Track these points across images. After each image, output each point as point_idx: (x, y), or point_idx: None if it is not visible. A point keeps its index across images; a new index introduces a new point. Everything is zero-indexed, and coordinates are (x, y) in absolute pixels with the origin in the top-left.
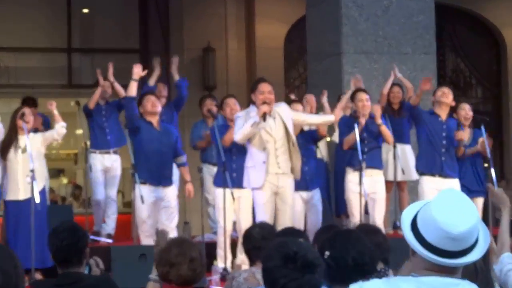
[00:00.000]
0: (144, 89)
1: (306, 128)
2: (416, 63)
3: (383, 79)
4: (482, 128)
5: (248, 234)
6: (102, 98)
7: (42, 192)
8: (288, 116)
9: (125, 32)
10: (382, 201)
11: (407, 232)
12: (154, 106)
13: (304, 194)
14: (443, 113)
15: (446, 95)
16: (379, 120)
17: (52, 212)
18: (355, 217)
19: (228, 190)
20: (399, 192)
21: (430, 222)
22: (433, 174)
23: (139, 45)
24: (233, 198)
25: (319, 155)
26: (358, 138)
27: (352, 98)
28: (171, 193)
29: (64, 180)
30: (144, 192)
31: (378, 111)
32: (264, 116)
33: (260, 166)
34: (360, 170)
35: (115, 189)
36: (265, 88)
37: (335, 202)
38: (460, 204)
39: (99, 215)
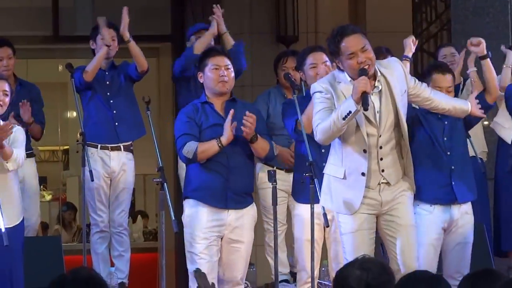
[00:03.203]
0: (186, 57)
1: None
2: None
3: None
4: None
5: (340, 280)
6: (105, 58)
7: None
8: (402, 88)
9: None
10: None
11: None
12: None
13: (446, 214)
14: None
15: None
16: None
17: (29, 248)
18: None
19: (319, 210)
20: None
21: None
22: None
23: None
24: (326, 223)
25: (471, 153)
26: None
27: None
28: (246, 219)
29: (47, 196)
30: (195, 214)
31: None
32: (363, 99)
33: (356, 180)
34: None
35: (127, 209)
36: (354, 44)
37: (495, 230)
38: None
39: (100, 253)
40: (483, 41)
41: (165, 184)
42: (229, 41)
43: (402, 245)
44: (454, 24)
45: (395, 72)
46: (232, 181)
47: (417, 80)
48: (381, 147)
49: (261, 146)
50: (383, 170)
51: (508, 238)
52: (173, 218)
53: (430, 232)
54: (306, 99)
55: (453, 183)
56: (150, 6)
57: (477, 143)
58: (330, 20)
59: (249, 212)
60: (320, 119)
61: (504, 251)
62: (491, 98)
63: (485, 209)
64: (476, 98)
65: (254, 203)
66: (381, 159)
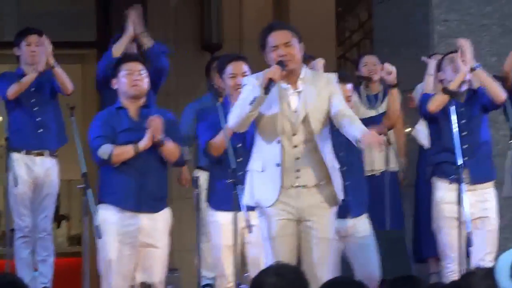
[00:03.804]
0: (106, 59)
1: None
2: None
3: (500, 31)
4: None
5: (256, 286)
6: (30, 63)
7: None
8: (321, 104)
9: None
10: (494, 232)
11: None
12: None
13: (341, 224)
14: None
15: None
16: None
17: None
18: (452, 261)
19: (241, 216)
20: None
21: None
22: None
23: None
24: (250, 229)
25: (392, 165)
26: (455, 128)
27: (440, 65)
28: (160, 223)
29: None
30: (108, 219)
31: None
32: (268, 85)
33: (273, 171)
34: (458, 181)
35: (51, 214)
36: (278, 38)
37: (414, 237)
38: None
39: (23, 258)
40: (394, 70)
41: (88, 190)
42: (146, 42)
43: (318, 258)
44: (377, 33)
45: (322, 87)
46: (146, 185)
47: (343, 104)
48: (296, 146)
49: (169, 150)
50: (298, 170)
51: (429, 245)
52: (96, 224)
53: None
54: (227, 106)
55: (349, 198)
56: (75, 12)
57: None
58: (254, 28)
59: (163, 217)
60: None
61: (424, 258)
62: (389, 123)
63: (399, 217)
64: (374, 120)
65: (168, 207)
66: (297, 158)
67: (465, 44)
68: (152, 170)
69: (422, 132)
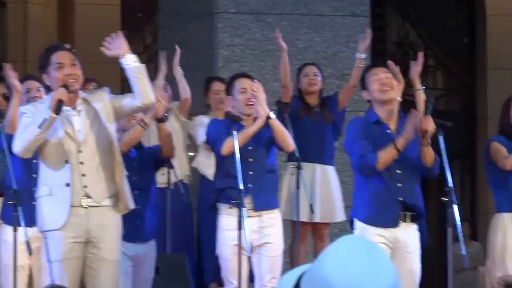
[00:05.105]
0: None
1: None
2: (338, 30)
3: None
4: (441, 139)
5: None
6: None
7: None
8: (105, 108)
9: None
10: (278, 257)
11: None
12: None
13: (133, 248)
14: (389, 118)
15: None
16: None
17: None
18: (234, 287)
19: (21, 232)
20: (316, 241)
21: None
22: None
23: None
24: (30, 250)
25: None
26: (237, 154)
27: (228, 89)
28: None
29: None
30: None
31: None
32: (58, 107)
33: (62, 192)
34: (239, 206)
35: None
36: (64, 57)
37: (198, 262)
38: (368, 257)
39: None
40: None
41: None
42: None
43: (105, 281)
44: (163, 56)
45: (102, 100)
46: None
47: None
48: (82, 163)
49: None
50: (86, 186)
51: (210, 270)
52: None
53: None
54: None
55: (138, 222)
56: None
57: (181, 166)
58: (39, 50)
59: None
60: (21, 133)
61: (206, 283)
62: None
63: (189, 239)
64: None
65: None
66: (84, 175)
67: (260, 93)
68: None
69: (204, 164)
